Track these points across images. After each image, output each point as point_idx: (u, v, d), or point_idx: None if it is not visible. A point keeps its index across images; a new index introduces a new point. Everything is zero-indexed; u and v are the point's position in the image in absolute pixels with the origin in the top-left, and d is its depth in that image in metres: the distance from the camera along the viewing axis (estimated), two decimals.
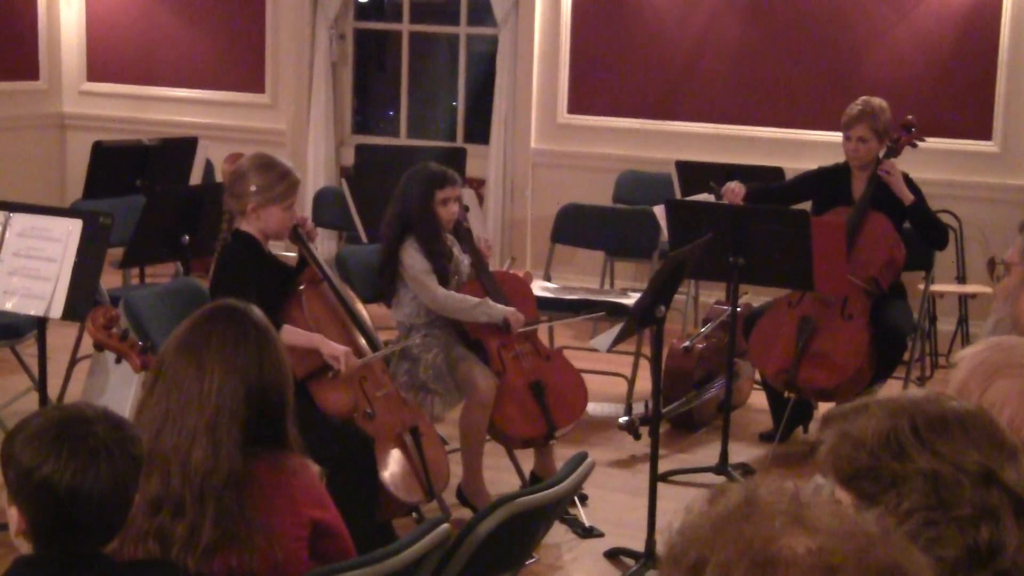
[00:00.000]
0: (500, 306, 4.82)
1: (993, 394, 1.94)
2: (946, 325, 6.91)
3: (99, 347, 3.51)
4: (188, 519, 2.54)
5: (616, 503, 5.00)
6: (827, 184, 5.78)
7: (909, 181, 5.69)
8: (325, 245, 7.90)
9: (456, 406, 4.89)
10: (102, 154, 6.60)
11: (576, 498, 4.73)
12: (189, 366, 2.62)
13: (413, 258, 4.77)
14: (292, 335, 4.10)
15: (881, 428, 1.58)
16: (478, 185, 7.85)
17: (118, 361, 3.51)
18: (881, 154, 5.64)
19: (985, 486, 1.55)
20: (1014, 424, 1.92)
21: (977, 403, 1.88)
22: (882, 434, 1.58)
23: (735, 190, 5.63)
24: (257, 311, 2.76)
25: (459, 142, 8.40)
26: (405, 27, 8.64)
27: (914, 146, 5.75)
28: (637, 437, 5.06)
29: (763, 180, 6.46)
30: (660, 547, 1.26)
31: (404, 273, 4.79)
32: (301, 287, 4.31)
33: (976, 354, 2.01)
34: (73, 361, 5.69)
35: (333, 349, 4.17)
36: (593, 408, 5.73)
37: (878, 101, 5.66)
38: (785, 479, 1.28)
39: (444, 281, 4.84)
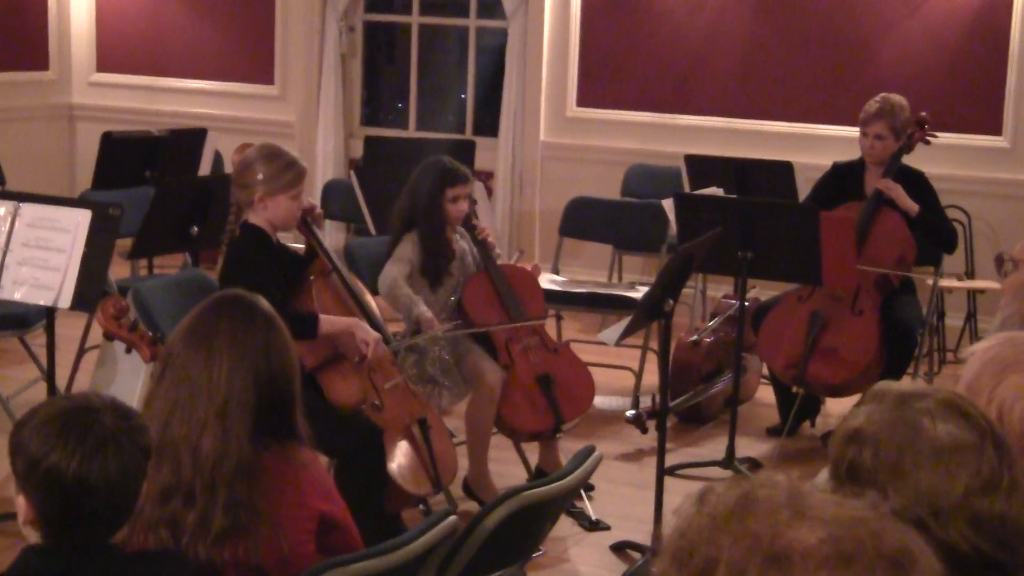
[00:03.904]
0: (423, 308, 4.68)
1: (1005, 390, 1.94)
2: (954, 320, 6.89)
3: (109, 337, 3.51)
4: (199, 507, 2.55)
5: (623, 496, 5.00)
6: (841, 179, 5.77)
7: (924, 181, 5.67)
8: (333, 237, 7.90)
9: (463, 399, 4.89)
10: (111, 145, 6.61)
11: (582, 490, 4.73)
12: (198, 355, 2.62)
13: (404, 245, 4.78)
14: (328, 324, 4.16)
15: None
16: (487, 178, 7.85)
17: (128, 351, 3.52)
18: (895, 150, 5.63)
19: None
20: None
21: (988, 398, 1.88)
22: None
23: None
24: (263, 301, 2.76)
25: (468, 135, 8.40)
26: (415, 19, 8.64)
27: (927, 142, 5.74)
28: (644, 431, 5.03)
29: (772, 174, 6.46)
30: (661, 549, 1.25)
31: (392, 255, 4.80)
32: (311, 277, 4.32)
33: (987, 349, 2.00)
34: (81, 351, 5.70)
35: (366, 334, 4.21)
36: (600, 401, 5.73)
37: (897, 98, 5.64)
38: (776, 472, 1.28)
39: (437, 279, 4.83)
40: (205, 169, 6.86)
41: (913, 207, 5.54)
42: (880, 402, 1.69)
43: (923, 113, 5.74)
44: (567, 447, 4.87)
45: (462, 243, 4.96)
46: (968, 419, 1.64)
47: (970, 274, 6.88)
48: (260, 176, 4.16)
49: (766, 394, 6.14)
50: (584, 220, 6.81)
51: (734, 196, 5.82)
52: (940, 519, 1.58)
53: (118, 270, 5.77)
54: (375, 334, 4.24)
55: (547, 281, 5.94)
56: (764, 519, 1.19)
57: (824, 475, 1.74)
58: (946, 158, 6.87)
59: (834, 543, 1.17)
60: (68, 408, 2.22)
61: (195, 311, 2.71)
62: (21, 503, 2.21)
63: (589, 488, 4.92)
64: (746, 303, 5.35)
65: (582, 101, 8.01)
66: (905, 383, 1.76)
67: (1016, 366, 1.96)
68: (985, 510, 1.58)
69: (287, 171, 4.18)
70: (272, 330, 2.69)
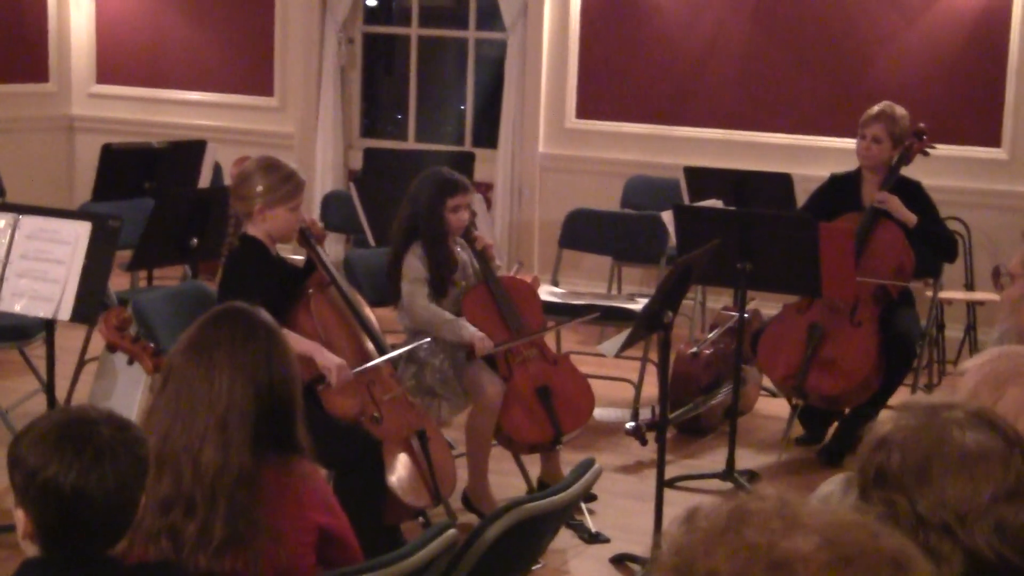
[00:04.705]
0: (470, 329, 4.74)
1: (1006, 404, 1.94)
2: (954, 332, 6.89)
3: (112, 348, 3.51)
4: (199, 518, 2.54)
5: (622, 508, 5.00)
6: (838, 191, 5.78)
7: (921, 191, 5.67)
8: (332, 248, 7.90)
9: (463, 411, 4.89)
10: (111, 157, 6.61)
11: (584, 501, 4.72)
12: (198, 367, 2.63)
13: (411, 263, 4.77)
14: (290, 341, 4.10)
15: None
16: (486, 189, 7.85)
17: (130, 363, 3.52)
18: (893, 161, 5.64)
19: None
20: None
21: None
22: None
23: None
24: (264, 312, 2.77)
25: (467, 146, 8.40)
26: (414, 31, 8.65)
27: (926, 154, 5.75)
28: (644, 443, 5.05)
29: (771, 186, 6.47)
30: (655, 568, 1.26)
31: (403, 275, 4.79)
32: (309, 291, 4.32)
33: (983, 364, 2.01)
34: (81, 363, 5.70)
35: (327, 360, 4.15)
36: (600, 413, 5.72)
37: (900, 108, 5.67)
38: (765, 487, 1.30)
39: (443, 290, 4.83)
40: (204, 181, 6.86)
41: (911, 218, 5.54)
42: (909, 411, 1.71)
43: (921, 124, 5.74)
44: (567, 459, 4.86)
45: (463, 254, 4.96)
46: (996, 429, 1.66)
47: (969, 286, 6.88)
48: (259, 188, 4.16)
49: (766, 406, 6.15)
50: (583, 232, 6.81)
51: (733, 208, 5.82)
52: (965, 524, 1.59)
53: (117, 282, 5.76)
54: (337, 360, 4.17)
55: (546, 293, 5.94)
56: (759, 530, 1.20)
57: (825, 489, 1.75)
58: (945, 170, 6.87)
59: (832, 547, 1.18)
60: (65, 420, 2.22)
61: (196, 324, 2.72)
62: (20, 516, 2.21)
63: (591, 498, 4.91)
64: (745, 315, 5.35)
65: (581, 113, 8.02)
66: (935, 396, 1.79)
67: (1015, 379, 1.96)
68: (1011, 518, 1.59)
69: (286, 183, 4.19)
70: (273, 342, 2.69)
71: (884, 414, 1.76)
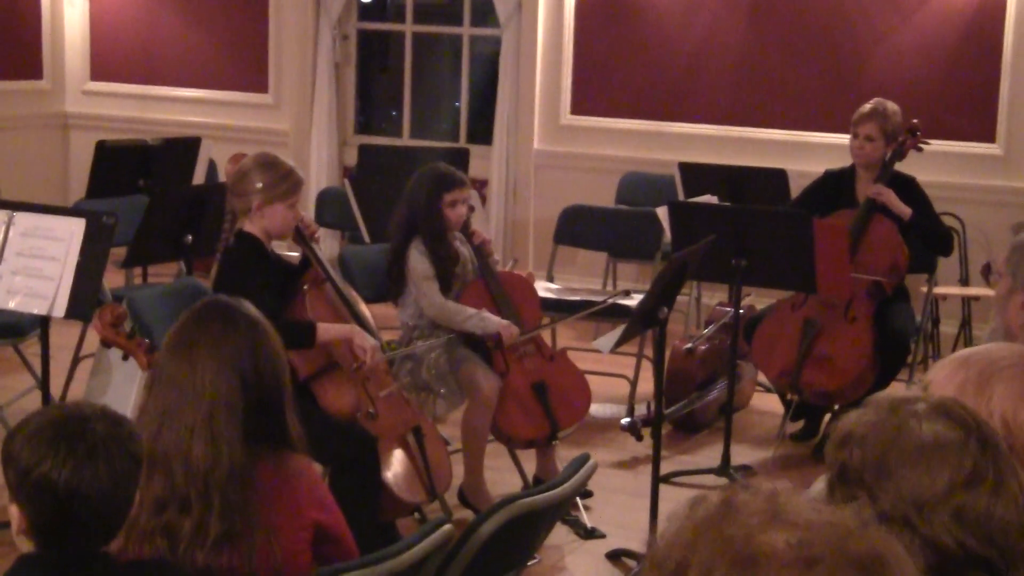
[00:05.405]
0: (495, 319, 4.79)
1: (999, 402, 1.92)
2: (949, 328, 6.90)
3: (106, 345, 3.51)
4: (194, 514, 2.54)
5: (618, 504, 5.00)
6: (832, 187, 5.78)
7: (916, 187, 5.68)
8: (327, 245, 7.90)
9: (459, 407, 4.89)
10: (105, 154, 6.61)
11: (579, 497, 4.73)
12: (182, 362, 2.62)
13: (417, 261, 4.78)
14: (327, 332, 4.17)
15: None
16: (481, 186, 7.85)
17: (125, 359, 3.52)
18: (887, 157, 5.65)
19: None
20: None
21: (987, 415, 1.86)
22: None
23: None
24: (247, 304, 2.74)
25: (462, 143, 8.40)
26: (408, 27, 8.64)
27: (919, 150, 5.75)
28: (639, 438, 5.06)
29: (766, 182, 6.47)
30: (647, 554, 1.26)
31: (409, 275, 4.80)
32: (304, 287, 4.32)
33: (950, 377, 1.98)
34: (76, 360, 5.69)
35: (364, 341, 4.23)
36: (595, 409, 5.72)
37: (892, 104, 5.68)
38: (763, 481, 1.30)
39: (447, 285, 4.84)
40: (199, 178, 6.86)
41: (906, 211, 5.55)
42: (872, 406, 1.71)
43: (915, 120, 5.75)
44: (562, 455, 4.86)
45: (463, 249, 4.97)
46: (955, 419, 1.65)
47: (964, 281, 6.89)
48: (258, 184, 4.17)
49: (761, 401, 6.15)
50: (578, 228, 6.81)
51: (728, 204, 5.82)
52: (923, 514, 1.59)
53: (112, 279, 5.76)
54: (373, 341, 4.26)
55: (542, 289, 5.93)
56: (740, 524, 1.20)
57: (820, 484, 1.75)
58: (940, 165, 6.88)
59: (801, 547, 1.18)
60: (59, 417, 2.21)
61: (178, 321, 2.71)
62: (14, 513, 2.21)
63: (587, 494, 4.91)
64: (740, 311, 5.35)
65: (576, 109, 8.01)
66: (904, 390, 1.77)
67: (995, 376, 1.94)
68: (969, 505, 1.59)
69: (285, 180, 4.19)
70: (256, 333, 2.67)
71: (851, 411, 1.75)
